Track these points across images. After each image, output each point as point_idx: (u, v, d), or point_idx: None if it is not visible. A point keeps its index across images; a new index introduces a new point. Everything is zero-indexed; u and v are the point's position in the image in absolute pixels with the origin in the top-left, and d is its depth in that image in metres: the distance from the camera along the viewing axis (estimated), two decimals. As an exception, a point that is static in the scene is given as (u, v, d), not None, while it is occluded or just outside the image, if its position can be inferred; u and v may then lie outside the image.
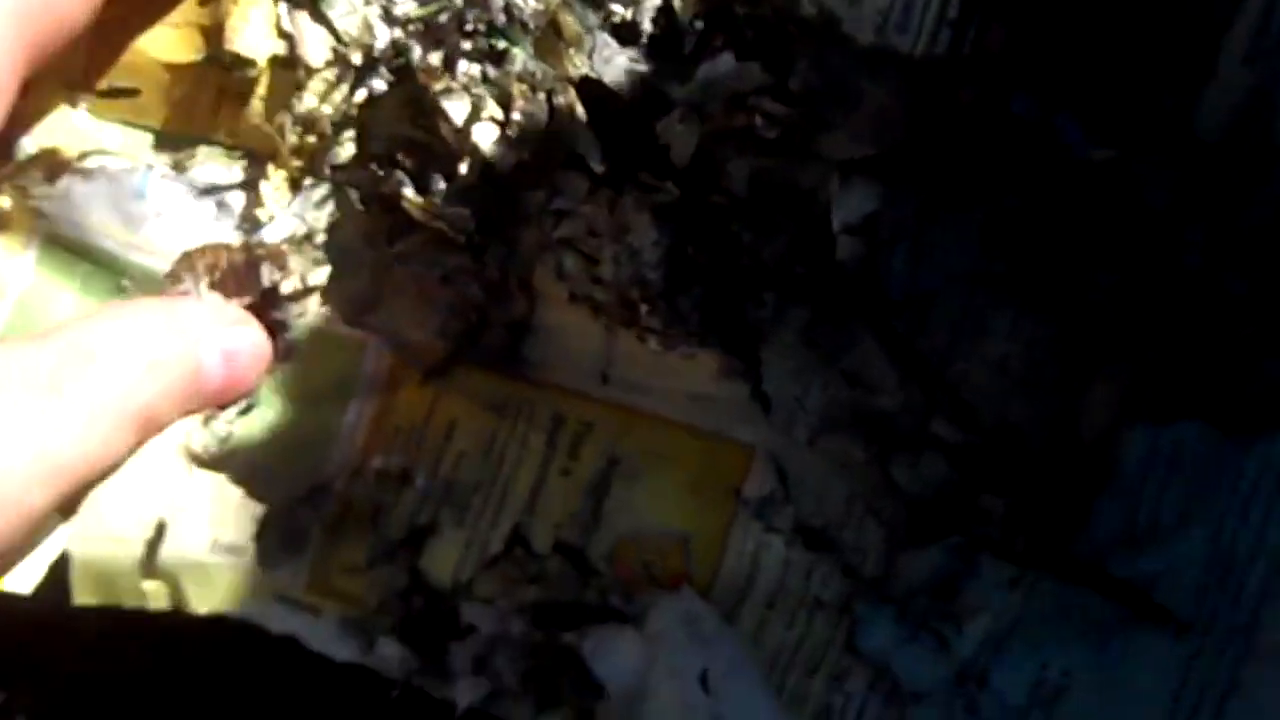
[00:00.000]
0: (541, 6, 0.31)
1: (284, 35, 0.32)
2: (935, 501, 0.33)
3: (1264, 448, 0.31)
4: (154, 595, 0.32)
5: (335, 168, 0.32)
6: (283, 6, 0.32)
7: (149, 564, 0.32)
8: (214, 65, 0.32)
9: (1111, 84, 0.33)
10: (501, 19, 0.31)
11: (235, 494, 0.32)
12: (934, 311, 0.33)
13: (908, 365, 0.33)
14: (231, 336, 0.31)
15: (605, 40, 0.31)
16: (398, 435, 0.33)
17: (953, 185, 0.32)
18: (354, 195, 0.32)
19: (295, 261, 0.32)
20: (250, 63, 0.32)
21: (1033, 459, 0.33)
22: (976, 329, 0.33)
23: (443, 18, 0.31)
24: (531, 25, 0.31)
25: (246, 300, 0.32)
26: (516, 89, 0.31)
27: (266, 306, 0.32)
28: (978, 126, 0.32)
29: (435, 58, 0.31)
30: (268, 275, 0.32)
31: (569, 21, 0.32)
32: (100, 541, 0.31)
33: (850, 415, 0.33)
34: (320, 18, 0.32)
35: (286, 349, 0.32)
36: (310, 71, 0.32)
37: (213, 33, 0.32)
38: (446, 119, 0.31)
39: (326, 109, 0.33)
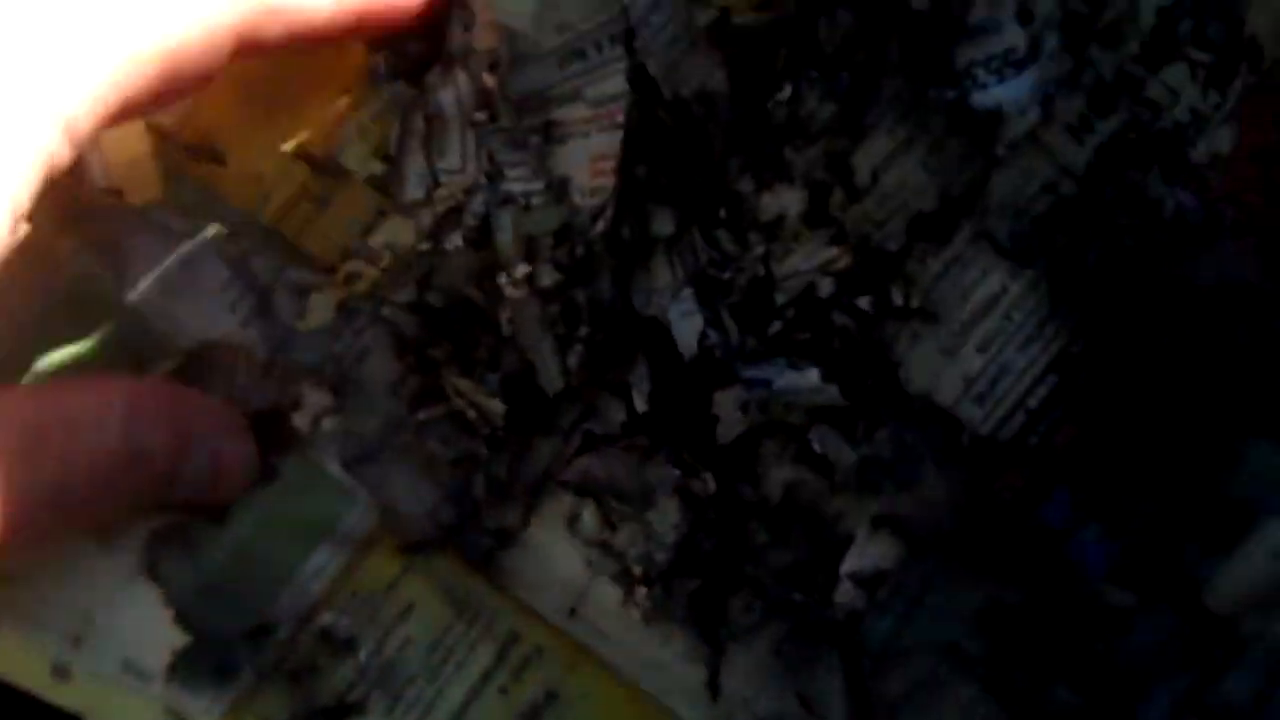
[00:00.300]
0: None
1: (386, 159, 0.31)
2: None
3: None
4: (60, 696, 0.31)
5: (387, 302, 0.31)
6: (396, 131, 0.31)
7: (58, 668, 0.31)
8: (304, 160, 0.31)
9: (1151, 520, 0.34)
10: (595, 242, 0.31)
11: (166, 614, 0.31)
12: (901, 666, 0.33)
13: (860, 710, 0.33)
14: (226, 441, 0.30)
15: (688, 293, 0.31)
16: (354, 599, 0.32)
17: (967, 566, 0.32)
18: (394, 340, 0.32)
19: (311, 393, 0.31)
20: (345, 173, 0.31)
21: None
22: (933, 693, 0.33)
23: (546, 234, 0.31)
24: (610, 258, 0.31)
25: (251, 409, 0.31)
26: (589, 310, 0.31)
27: (268, 422, 0.31)
28: (1008, 520, 0.31)
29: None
30: (278, 391, 0.31)
31: (659, 262, 0.31)
32: (19, 623, 0.30)
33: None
34: (429, 158, 0.31)
35: (270, 470, 0.31)
36: (398, 205, 0.31)
37: (316, 130, 0.31)
38: (515, 319, 0.31)
39: (400, 244, 0.32)
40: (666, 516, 0.31)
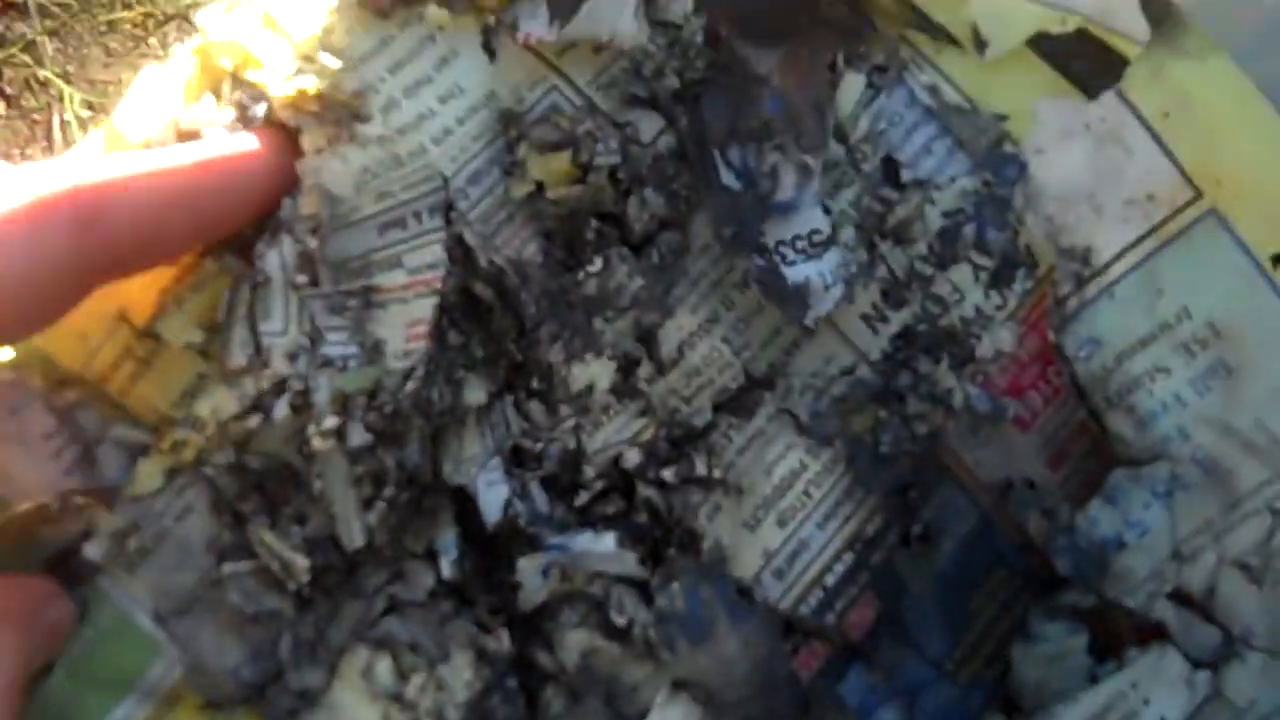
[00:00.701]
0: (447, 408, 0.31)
1: (209, 328, 0.31)
2: None
3: None
4: None
5: (208, 464, 0.31)
6: (225, 299, 0.31)
7: None
8: (126, 324, 0.31)
9: (946, 702, 0.34)
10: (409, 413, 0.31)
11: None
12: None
13: None
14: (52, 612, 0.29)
15: (496, 463, 0.31)
16: (154, 755, 0.30)
17: None
18: (213, 498, 0.31)
19: (103, 519, 0.30)
20: (161, 341, 0.31)
21: None
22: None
23: (359, 393, 0.30)
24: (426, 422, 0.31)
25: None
26: (396, 472, 0.31)
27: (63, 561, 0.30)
28: (807, 696, 0.31)
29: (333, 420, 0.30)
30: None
31: (470, 432, 0.31)
32: None
33: None
34: (253, 321, 0.31)
35: (74, 615, 0.30)
36: (224, 372, 0.31)
37: (140, 294, 0.31)
38: (322, 476, 0.30)
39: (223, 412, 0.31)
40: (460, 672, 0.30)
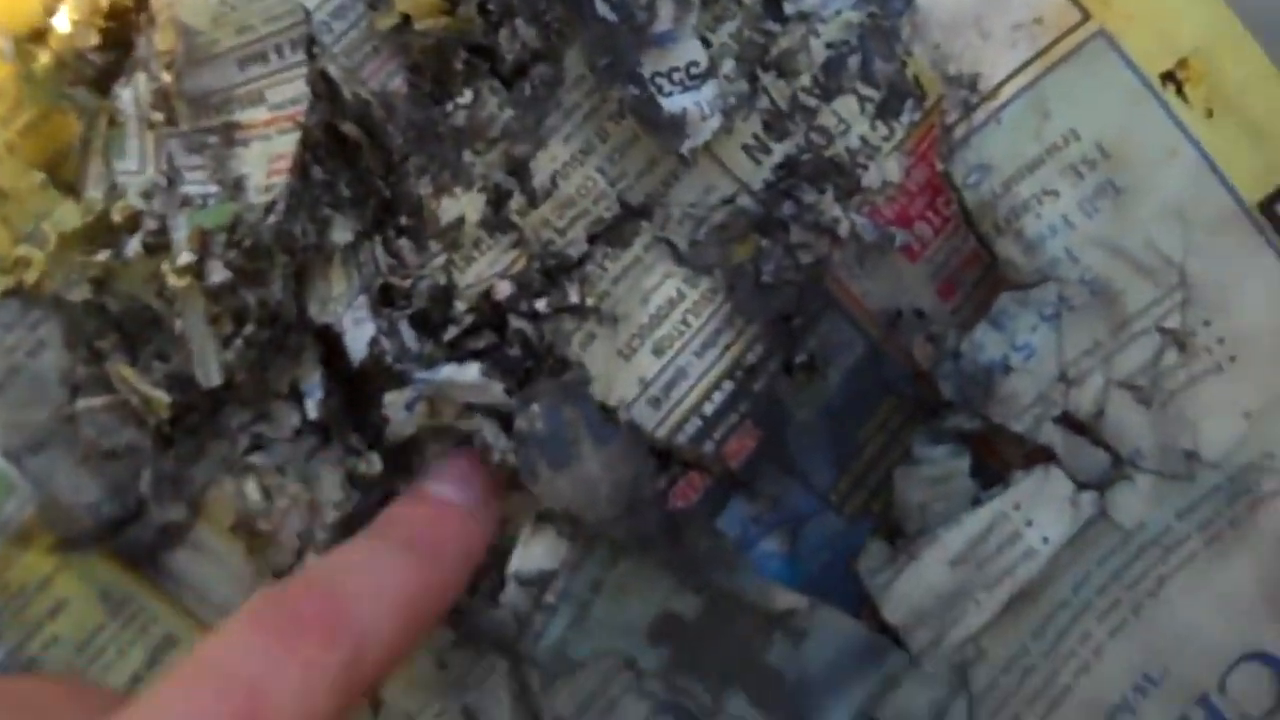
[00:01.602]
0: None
1: (50, 168, 0.31)
2: None
3: None
4: None
5: (63, 301, 0.31)
6: (79, 135, 0.31)
7: None
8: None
9: (830, 532, 0.34)
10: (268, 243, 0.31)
11: None
12: (572, 680, 0.32)
13: (529, 720, 0.32)
14: None
15: (362, 300, 0.31)
16: (2, 593, 0.31)
17: (638, 572, 0.32)
18: (68, 333, 0.31)
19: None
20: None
21: None
22: (607, 709, 0.32)
23: (219, 229, 0.30)
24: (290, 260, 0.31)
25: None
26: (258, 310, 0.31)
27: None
28: (684, 527, 0.31)
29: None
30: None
31: (337, 271, 0.31)
32: None
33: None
34: (108, 160, 0.31)
35: None
36: (78, 197, 0.31)
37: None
38: (181, 314, 0.30)
39: (67, 226, 0.31)
40: (329, 493, 0.31)
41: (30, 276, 0.31)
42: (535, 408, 0.30)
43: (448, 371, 0.30)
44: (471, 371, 0.30)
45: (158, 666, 0.31)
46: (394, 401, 0.31)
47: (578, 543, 0.32)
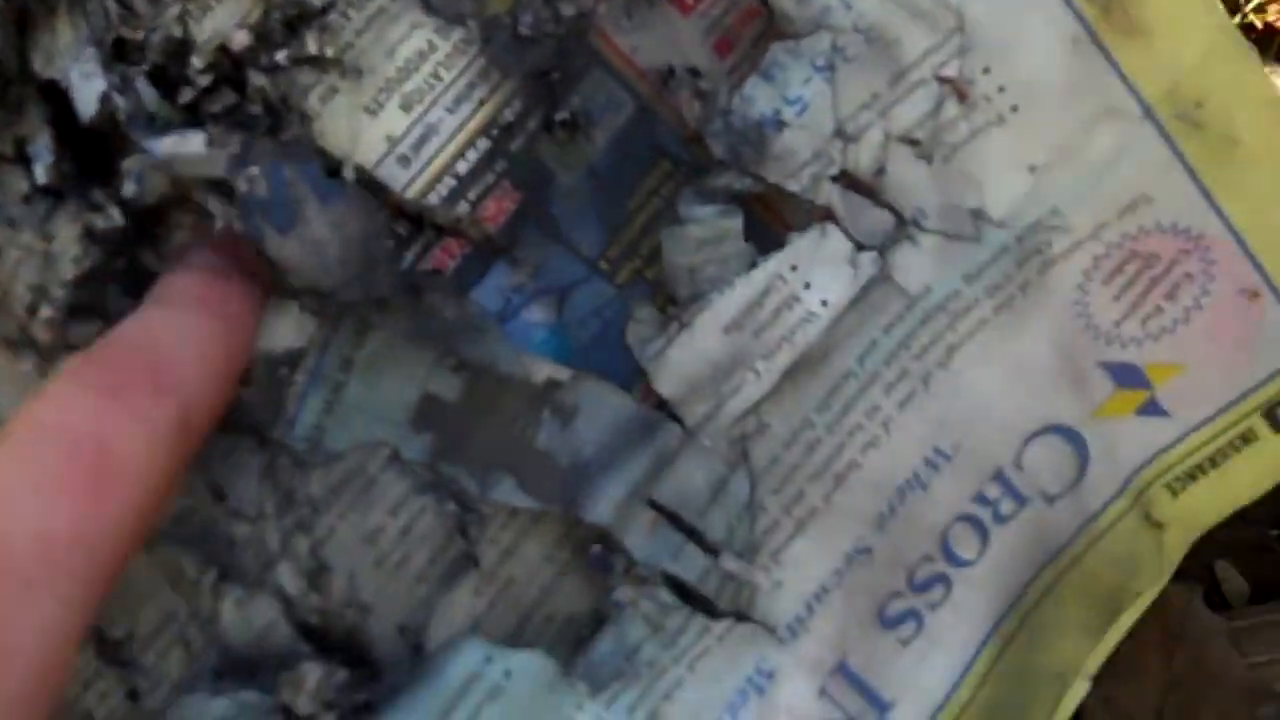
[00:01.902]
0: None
1: None
2: (255, 648, 0.30)
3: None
4: None
5: None
6: None
7: None
8: None
9: (596, 303, 0.32)
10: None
11: None
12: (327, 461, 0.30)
13: (281, 498, 0.30)
14: None
15: (91, 53, 0.28)
16: None
17: (393, 349, 0.30)
18: None
19: None
20: None
21: (368, 641, 0.30)
22: (361, 491, 0.31)
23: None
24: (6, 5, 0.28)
25: None
26: None
27: None
28: (416, 288, 0.30)
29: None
30: None
31: (63, 21, 0.29)
32: None
33: (200, 530, 0.30)
34: None
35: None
36: None
37: None
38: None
39: None
40: (67, 246, 0.28)
41: None
42: (254, 169, 0.28)
43: (170, 143, 0.28)
44: (196, 142, 0.28)
45: None
46: (129, 168, 0.28)
47: (324, 320, 0.30)
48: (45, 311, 0.29)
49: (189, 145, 0.29)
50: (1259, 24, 0.53)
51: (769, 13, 0.32)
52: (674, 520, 0.31)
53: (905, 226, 0.32)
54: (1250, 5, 0.52)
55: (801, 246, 0.32)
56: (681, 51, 0.32)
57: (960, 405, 0.33)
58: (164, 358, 0.25)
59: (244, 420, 0.30)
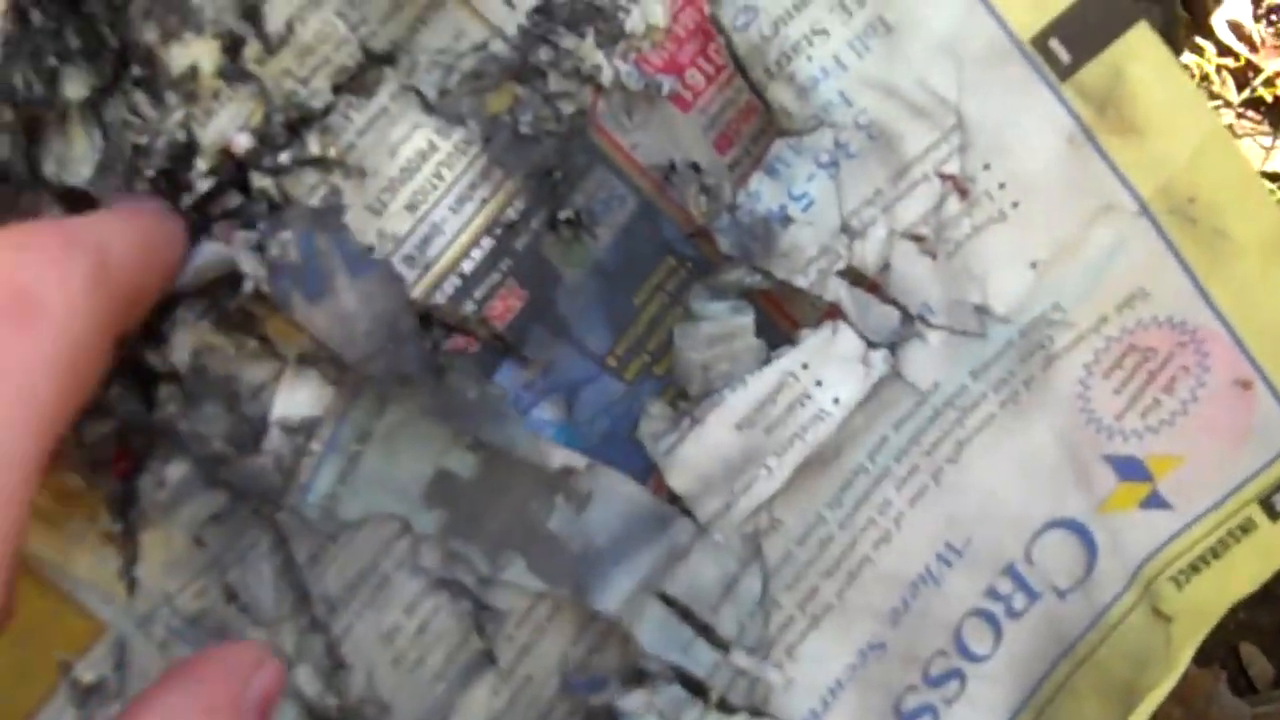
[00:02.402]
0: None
1: None
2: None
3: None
4: None
5: None
6: None
7: None
8: None
9: (608, 401, 0.32)
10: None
11: None
12: (344, 549, 0.29)
13: (296, 598, 0.29)
14: None
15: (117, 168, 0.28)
16: None
17: (406, 424, 0.29)
18: None
19: None
20: None
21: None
22: (376, 589, 0.30)
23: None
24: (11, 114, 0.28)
25: None
26: None
27: None
28: (440, 368, 0.29)
29: None
30: None
31: (76, 129, 0.28)
32: None
33: (215, 632, 0.29)
34: None
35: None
36: None
37: None
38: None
39: None
40: None
41: None
42: (286, 234, 0.27)
43: (201, 256, 0.27)
44: (217, 250, 0.27)
45: None
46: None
47: (343, 389, 0.30)
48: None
49: (204, 256, 0.28)
50: (1268, 98, 0.54)
51: (767, 109, 0.32)
52: (685, 614, 0.30)
53: (912, 323, 0.32)
54: (1259, 79, 0.53)
55: (813, 344, 0.31)
56: (682, 148, 0.32)
57: (970, 500, 0.33)
58: (76, 223, 0.25)
59: (256, 486, 0.29)
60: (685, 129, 0.32)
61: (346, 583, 0.30)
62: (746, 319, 0.31)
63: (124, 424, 0.29)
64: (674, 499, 0.31)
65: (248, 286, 0.28)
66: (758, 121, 0.33)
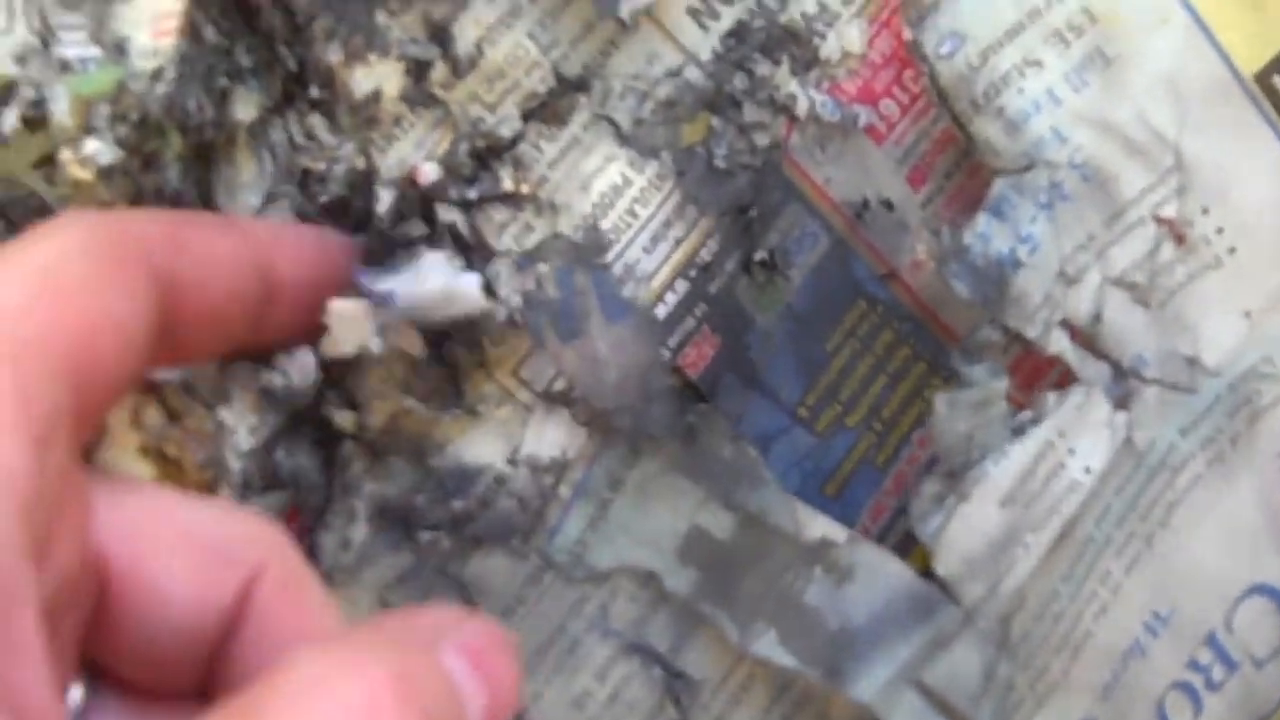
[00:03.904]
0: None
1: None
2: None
3: None
4: None
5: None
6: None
7: None
8: None
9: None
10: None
11: None
12: (533, 611, 0.28)
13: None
14: None
15: (289, 189, 0.26)
16: None
17: (660, 476, 0.28)
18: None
19: None
20: None
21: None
22: (566, 653, 0.28)
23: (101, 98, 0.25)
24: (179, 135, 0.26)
25: None
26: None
27: None
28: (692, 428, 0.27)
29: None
30: None
31: (244, 153, 0.26)
32: None
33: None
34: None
35: None
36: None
37: None
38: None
39: None
40: (240, 415, 0.25)
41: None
42: (544, 267, 0.26)
43: (411, 279, 0.25)
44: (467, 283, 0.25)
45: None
46: (341, 311, 0.25)
47: (595, 433, 0.28)
48: (223, 492, 0.26)
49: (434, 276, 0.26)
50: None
51: (968, 140, 0.30)
52: (943, 707, 0.28)
53: (1126, 379, 0.30)
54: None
55: (1067, 412, 0.29)
56: (875, 183, 0.30)
57: (1177, 566, 0.31)
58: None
59: (503, 528, 0.28)
60: (879, 163, 0.30)
61: (535, 646, 0.28)
62: (1002, 384, 0.29)
63: (297, 485, 0.27)
64: (928, 575, 0.29)
65: (500, 315, 0.26)
66: (952, 155, 0.31)
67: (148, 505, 0.19)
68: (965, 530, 0.29)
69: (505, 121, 0.28)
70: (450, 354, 0.28)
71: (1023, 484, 0.29)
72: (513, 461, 0.28)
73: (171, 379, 0.26)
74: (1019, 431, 0.29)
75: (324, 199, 0.27)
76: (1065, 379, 0.30)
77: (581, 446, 0.28)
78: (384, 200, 0.27)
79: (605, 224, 0.28)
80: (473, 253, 0.27)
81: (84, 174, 0.25)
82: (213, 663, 0.19)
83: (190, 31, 0.26)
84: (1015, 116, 0.29)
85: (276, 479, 0.26)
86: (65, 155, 0.25)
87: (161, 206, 0.26)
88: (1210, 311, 0.30)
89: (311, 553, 0.27)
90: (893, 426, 0.31)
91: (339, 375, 0.26)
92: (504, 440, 0.28)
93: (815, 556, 0.28)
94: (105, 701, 0.19)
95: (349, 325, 0.26)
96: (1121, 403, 0.30)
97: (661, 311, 0.28)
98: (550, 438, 0.27)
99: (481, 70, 0.28)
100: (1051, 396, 0.29)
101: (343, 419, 0.27)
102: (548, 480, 0.27)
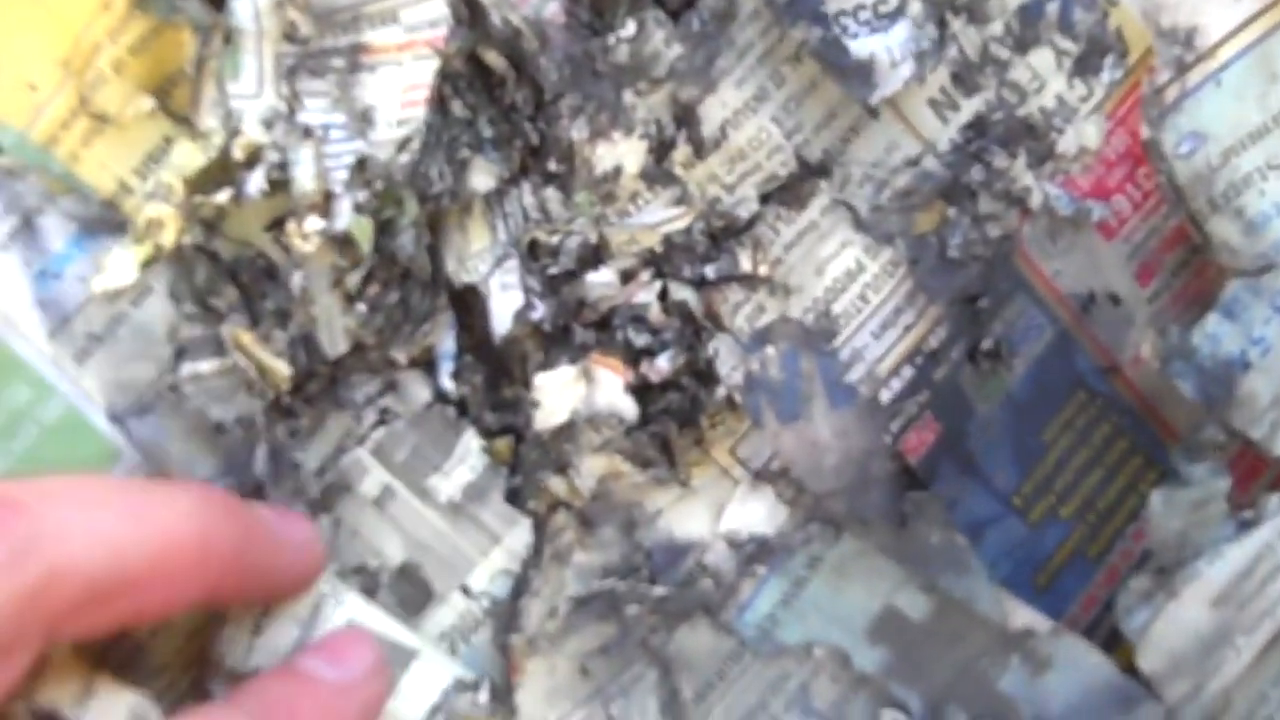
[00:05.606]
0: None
1: (161, 90, 0.27)
2: None
3: None
4: None
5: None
6: (193, 53, 0.27)
7: None
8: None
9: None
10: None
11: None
12: (732, 686, 0.28)
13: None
14: None
15: (513, 264, 0.27)
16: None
17: (860, 556, 0.28)
18: (171, 278, 0.26)
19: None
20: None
21: None
22: (803, 712, 0.28)
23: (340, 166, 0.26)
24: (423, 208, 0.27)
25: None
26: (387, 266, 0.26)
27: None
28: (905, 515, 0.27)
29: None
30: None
31: (477, 223, 0.27)
32: None
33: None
34: (221, 80, 0.26)
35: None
36: (194, 133, 0.26)
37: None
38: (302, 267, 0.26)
39: (189, 169, 0.27)
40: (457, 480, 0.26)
41: (167, 238, 0.26)
42: (770, 350, 0.26)
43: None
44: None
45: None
46: (549, 384, 0.26)
47: (798, 511, 0.28)
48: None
49: None
50: None
51: (1202, 239, 0.30)
52: None
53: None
54: None
55: None
56: (1103, 277, 0.30)
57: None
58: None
59: (694, 601, 0.28)
60: (1108, 257, 0.30)
61: (774, 695, 0.28)
62: (1223, 483, 0.29)
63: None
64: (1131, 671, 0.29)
65: (719, 394, 0.26)
66: (1181, 253, 0.31)
67: None
68: (1173, 628, 0.29)
69: (743, 203, 0.28)
70: (663, 425, 0.28)
71: (1238, 585, 0.29)
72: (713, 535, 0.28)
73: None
74: (1239, 531, 0.29)
75: (552, 271, 0.28)
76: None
77: (781, 525, 0.28)
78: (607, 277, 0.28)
79: (836, 308, 0.28)
80: (702, 331, 0.28)
81: (309, 247, 0.26)
82: None
83: (437, 103, 0.27)
84: (1255, 218, 0.29)
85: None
86: (290, 226, 0.26)
87: (392, 276, 0.27)
88: None
89: (516, 618, 0.27)
90: (1107, 519, 0.31)
91: (550, 442, 0.27)
92: (713, 515, 0.29)
93: (1014, 645, 0.29)
94: None
95: (558, 395, 0.27)
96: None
97: (885, 396, 0.29)
98: (753, 514, 0.28)
99: (723, 151, 0.28)
100: (1275, 499, 0.29)
101: (555, 485, 0.27)
102: (745, 557, 0.28)
